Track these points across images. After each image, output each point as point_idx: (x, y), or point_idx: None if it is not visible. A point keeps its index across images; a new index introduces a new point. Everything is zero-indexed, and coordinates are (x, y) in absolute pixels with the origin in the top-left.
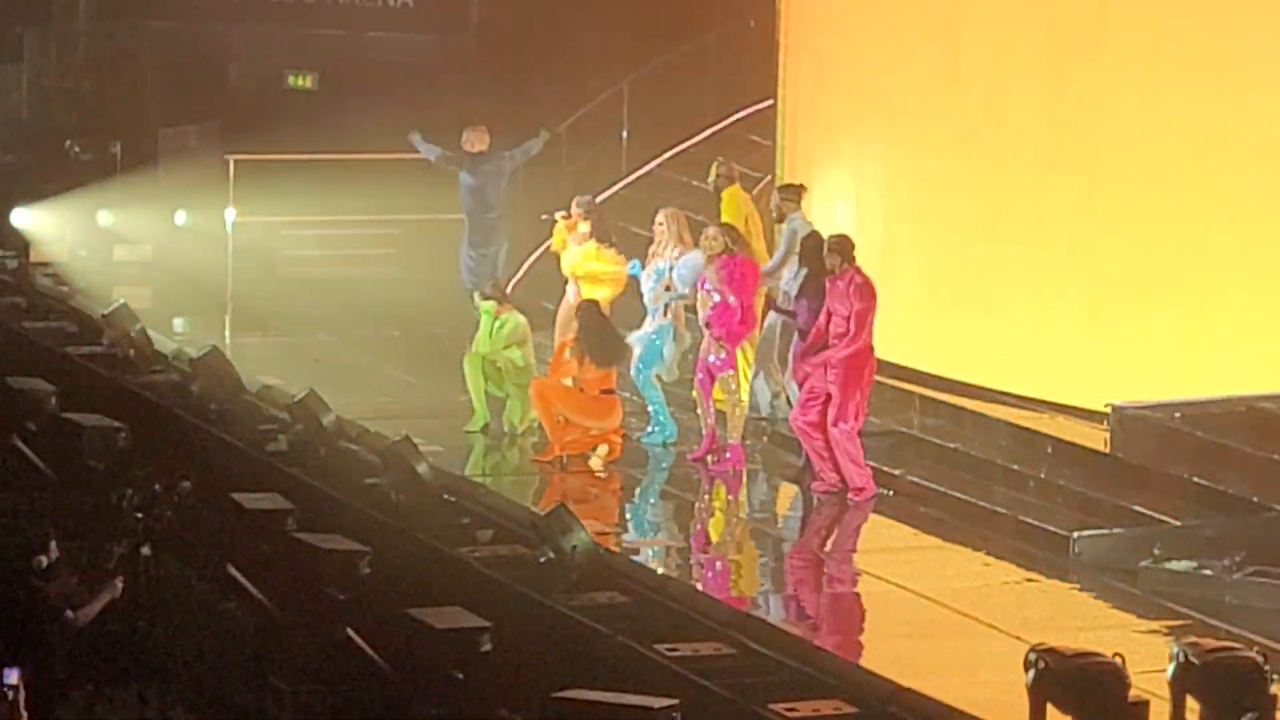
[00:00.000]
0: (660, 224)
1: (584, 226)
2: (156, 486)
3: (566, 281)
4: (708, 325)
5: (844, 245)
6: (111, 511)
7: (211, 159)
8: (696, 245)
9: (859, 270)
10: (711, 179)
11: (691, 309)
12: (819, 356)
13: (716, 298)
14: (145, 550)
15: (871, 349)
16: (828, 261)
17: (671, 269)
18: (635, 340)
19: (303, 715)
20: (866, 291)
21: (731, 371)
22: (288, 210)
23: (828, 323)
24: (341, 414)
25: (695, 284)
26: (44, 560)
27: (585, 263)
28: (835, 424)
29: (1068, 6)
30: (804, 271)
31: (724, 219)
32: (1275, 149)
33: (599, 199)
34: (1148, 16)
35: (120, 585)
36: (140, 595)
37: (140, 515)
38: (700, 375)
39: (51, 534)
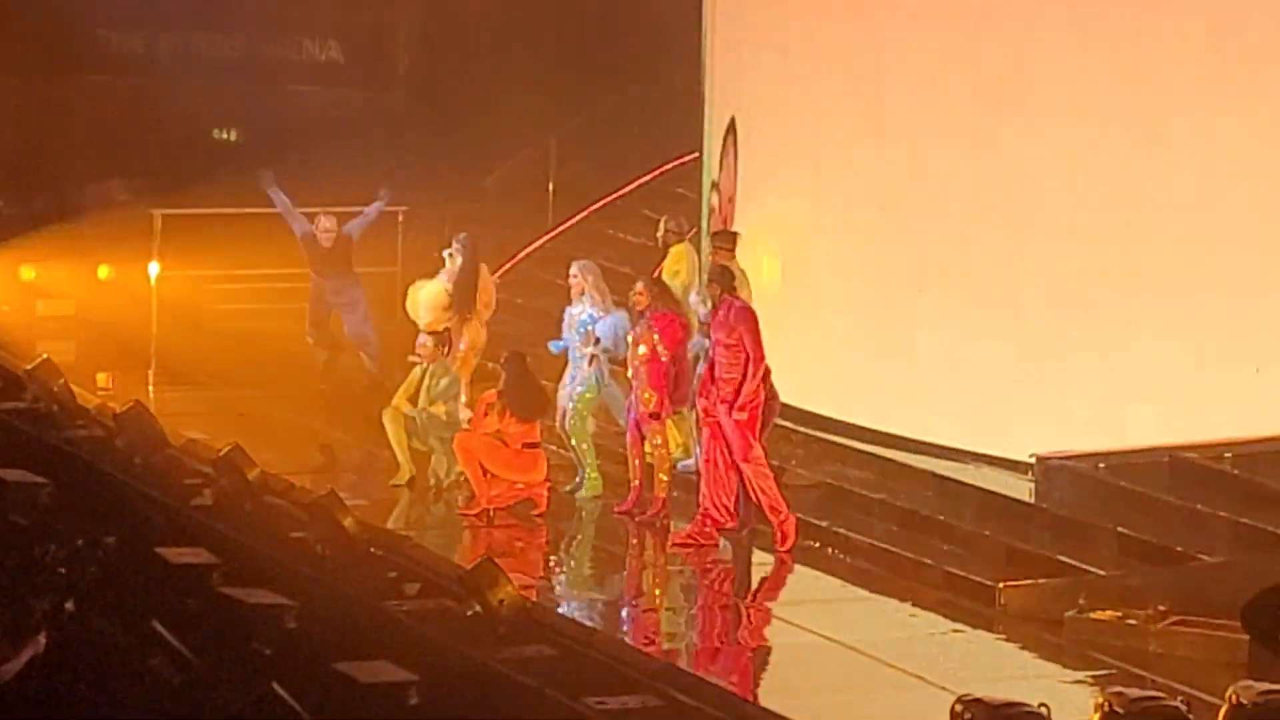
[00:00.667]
0: (574, 275)
1: (457, 262)
2: (80, 541)
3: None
4: (636, 378)
5: (723, 276)
6: (34, 567)
7: (136, 213)
8: (612, 298)
9: (737, 297)
10: (660, 233)
11: (620, 363)
12: (740, 399)
13: (643, 350)
14: (69, 605)
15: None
16: (709, 293)
17: (595, 323)
18: (562, 394)
19: None
20: (748, 314)
21: (658, 425)
22: (213, 264)
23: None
24: (267, 468)
25: (622, 338)
26: None
27: (428, 302)
28: (744, 459)
29: (989, 62)
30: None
31: (665, 274)
32: (1193, 202)
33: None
34: (1068, 72)
35: (43, 641)
36: (64, 651)
37: (63, 570)
38: (631, 429)
39: None
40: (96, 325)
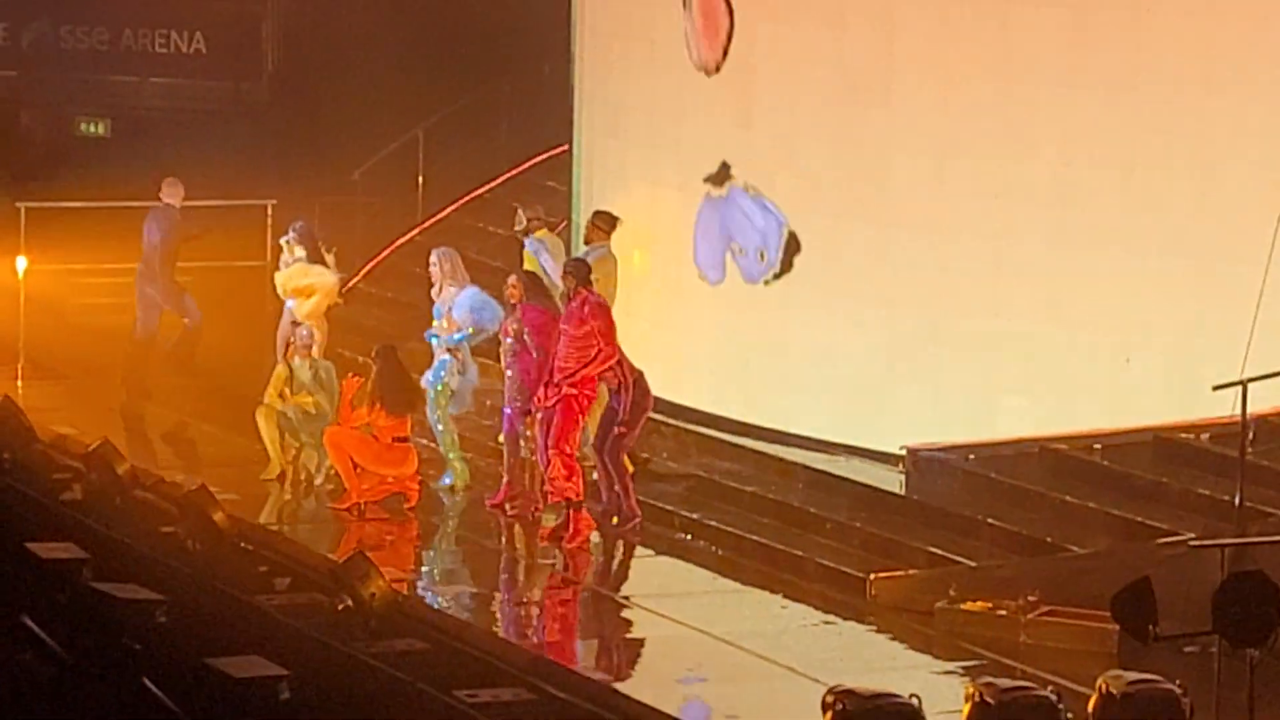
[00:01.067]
0: (433, 264)
1: (299, 251)
2: None
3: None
4: (508, 371)
5: (579, 269)
6: None
7: (1, 207)
8: (470, 282)
9: (592, 291)
10: (520, 226)
11: (493, 341)
12: (575, 376)
13: (511, 343)
14: None
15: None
16: (564, 284)
17: (451, 309)
18: (426, 384)
19: None
20: (602, 309)
21: (530, 418)
22: (80, 258)
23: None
24: (136, 463)
25: (482, 311)
26: None
27: (292, 280)
28: (557, 446)
29: (858, 54)
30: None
31: (526, 265)
32: (1060, 195)
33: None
34: (935, 64)
35: None
36: None
37: None
38: (505, 422)
39: None
40: None
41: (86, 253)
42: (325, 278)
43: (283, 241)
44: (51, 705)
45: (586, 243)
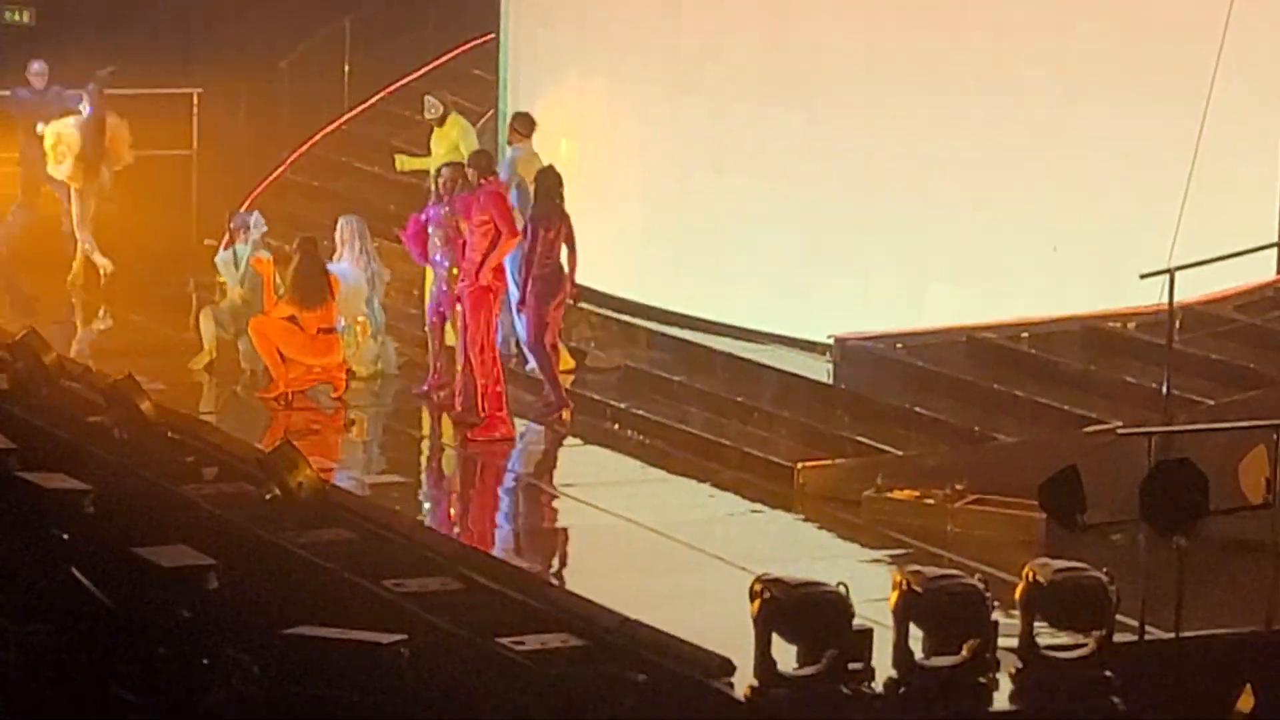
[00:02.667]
0: (338, 230)
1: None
2: None
3: None
4: (439, 262)
5: (479, 159)
6: None
7: None
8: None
9: (497, 180)
10: (433, 114)
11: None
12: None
13: (439, 232)
14: None
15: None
16: (469, 174)
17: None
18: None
19: (27, 655)
20: (498, 197)
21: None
22: (4, 147)
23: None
24: (63, 353)
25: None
26: None
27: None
28: (473, 347)
29: None
30: (530, 204)
31: (442, 151)
32: (988, 83)
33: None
34: None
35: None
36: None
37: None
38: (430, 311)
39: None
40: None
41: (11, 141)
42: (67, 130)
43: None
44: None
45: (509, 144)
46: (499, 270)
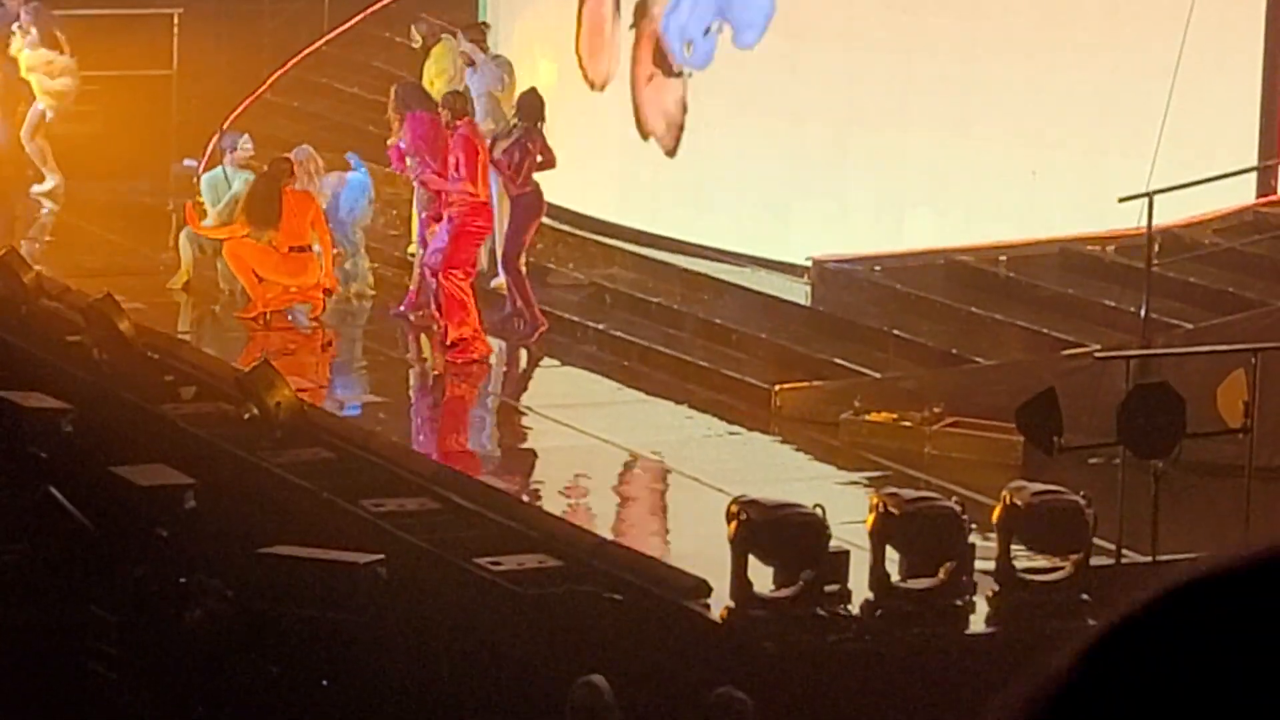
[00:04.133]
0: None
1: (34, 33)
2: None
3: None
4: (416, 183)
5: (455, 101)
6: None
7: None
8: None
9: (466, 123)
10: (420, 40)
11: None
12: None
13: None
14: None
15: (487, 205)
16: (443, 115)
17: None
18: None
19: (4, 574)
20: (467, 143)
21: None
22: None
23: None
24: (43, 272)
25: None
26: None
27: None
28: (444, 273)
29: None
30: (515, 125)
31: (432, 75)
32: (969, 6)
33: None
34: None
35: None
36: None
37: None
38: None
39: None
40: None
41: None
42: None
43: (14, 29)
44: None
45: (469, 64)
46: (485, 209)
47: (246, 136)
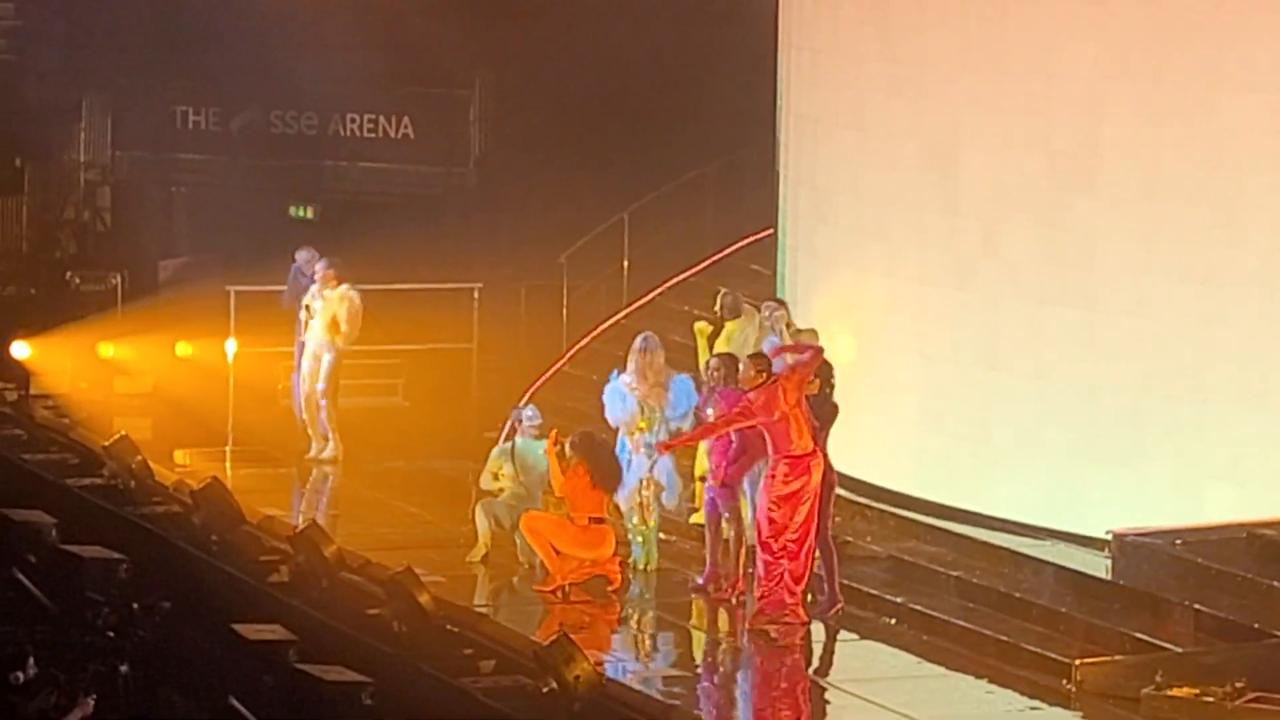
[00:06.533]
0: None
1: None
2: (135, 605)
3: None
4: (711, 453)
5: (727, 363)
6: (86, 629)
7: (212, 290)
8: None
9: (731, 387)
10: (717, 308)
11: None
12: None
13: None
14: (124, 669)
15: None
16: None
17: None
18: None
19: None
20: (729, 398)
21: (731, 502)
22: (289, 341)
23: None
24: (344, 545)
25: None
26: (20, 676)
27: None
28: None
29: (1063, 138)
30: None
31: (720, 349)
32: (1266, 279)
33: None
34: (1142, 148)
35: (92, 703)
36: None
37: (112, 634)
38: (707, 504)
39: (30, 650)
40: (174, 402)
41: (293, 336)
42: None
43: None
44: None
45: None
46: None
47: (532, 409)
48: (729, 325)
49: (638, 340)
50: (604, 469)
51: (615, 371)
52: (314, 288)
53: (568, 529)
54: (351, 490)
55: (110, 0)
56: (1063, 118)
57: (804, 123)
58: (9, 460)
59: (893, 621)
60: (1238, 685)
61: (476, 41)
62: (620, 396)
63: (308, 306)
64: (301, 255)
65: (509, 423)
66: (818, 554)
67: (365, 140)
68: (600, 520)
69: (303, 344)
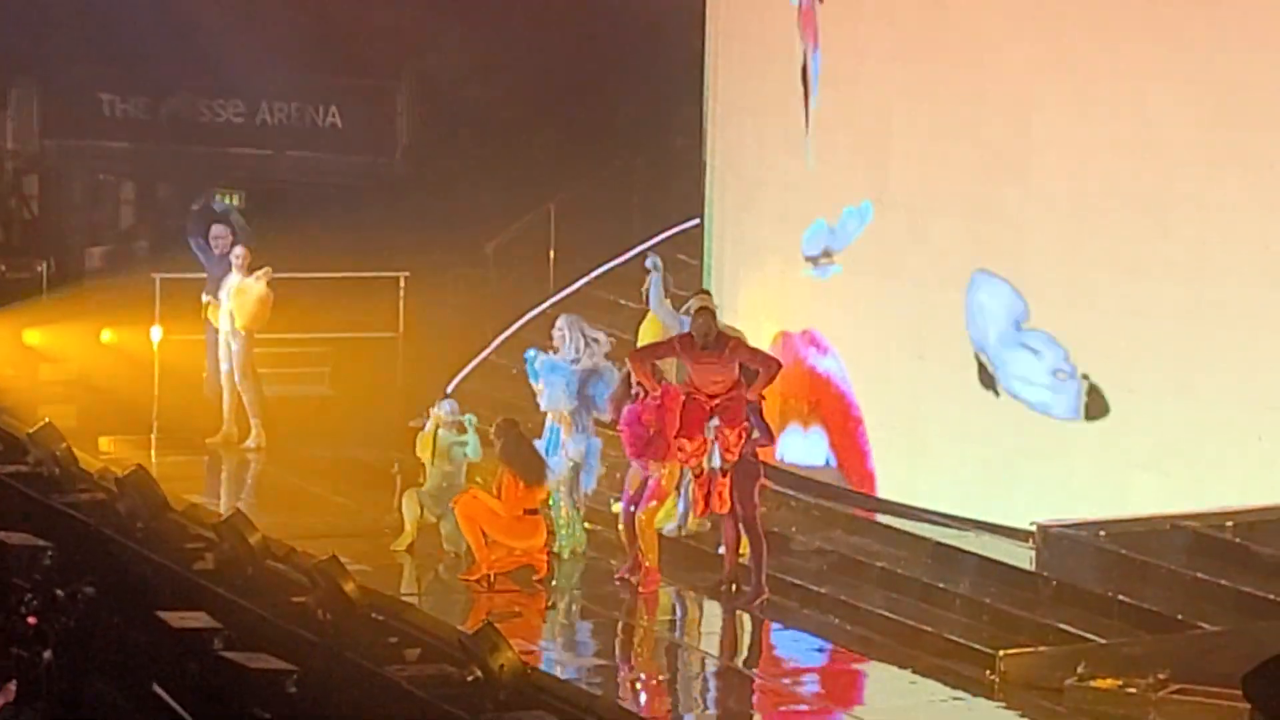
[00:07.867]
0: (560, 329)
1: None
2: (59, 592)
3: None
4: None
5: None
6: (10, 615)
7: (138, 278)
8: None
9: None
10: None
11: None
12: None
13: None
14: (47, 655)
15: None
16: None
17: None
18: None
19: None
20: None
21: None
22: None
23: None
24: (269, 533)
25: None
26: None
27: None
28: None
29: (994, 129)
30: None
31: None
32: (1193, 270)
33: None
34: (1071, 140)
35: (14, 688)
36: (46, 704)
37: (36, 620)
38: (625, 498)
39: None
40: (99, 389)
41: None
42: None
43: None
44: None
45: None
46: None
47: (452, 402)
48: (650, 316)
49: (561, 320)
50: (528, 468)
51: (533, 352)
52: (231, 276)
53: (500, 518)
54: (276, 478)
55: None
56: (993, 109)
57: (730, 112)
58: None
59: (817, 612)
60: (1161, 676)
61: (404, 31)
62: (563, 375)
63: (215, 294)
64: (216, 230)
65: (431, 416)
66: (746, 544)
67: (292, 129)
68: (534, 512)
69: (215, 330)
